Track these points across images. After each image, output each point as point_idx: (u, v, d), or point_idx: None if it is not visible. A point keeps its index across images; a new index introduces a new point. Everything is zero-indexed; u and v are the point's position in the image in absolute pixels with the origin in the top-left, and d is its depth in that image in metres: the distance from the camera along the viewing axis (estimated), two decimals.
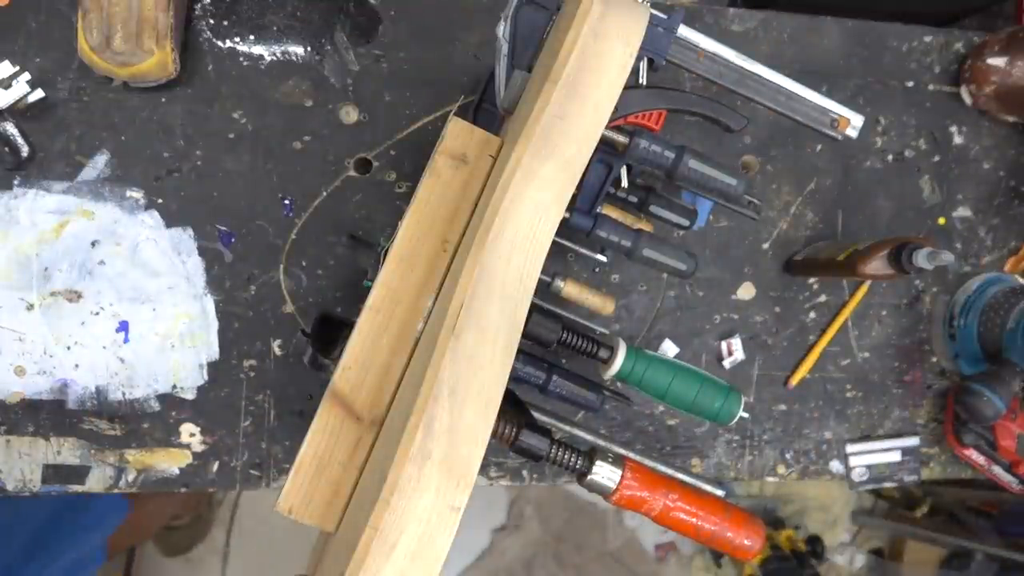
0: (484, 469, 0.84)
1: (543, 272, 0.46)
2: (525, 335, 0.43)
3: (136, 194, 0.76)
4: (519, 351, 0.43)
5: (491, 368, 0.40)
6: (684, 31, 0.63)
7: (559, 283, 0.76)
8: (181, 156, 0.76)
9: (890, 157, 0.93)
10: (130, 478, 0.78)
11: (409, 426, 0.37)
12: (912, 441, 0.96)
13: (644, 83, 0.60)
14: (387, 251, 0.51)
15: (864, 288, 0.92)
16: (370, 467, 0.46)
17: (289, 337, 0.79)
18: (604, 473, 0.59)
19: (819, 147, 0.91)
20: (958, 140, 0.95)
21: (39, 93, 0.72)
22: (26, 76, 0.71)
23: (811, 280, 0.92)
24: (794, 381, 0.91)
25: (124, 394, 0.77)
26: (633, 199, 0.74)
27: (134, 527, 1.41)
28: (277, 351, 0.79)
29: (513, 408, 0.63)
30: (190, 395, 0.78)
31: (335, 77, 0.79)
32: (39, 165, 0.74)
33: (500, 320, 0.41)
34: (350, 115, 0.79)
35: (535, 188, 0.44)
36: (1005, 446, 0.92)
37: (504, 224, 0.43)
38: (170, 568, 1.99)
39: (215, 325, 0.78)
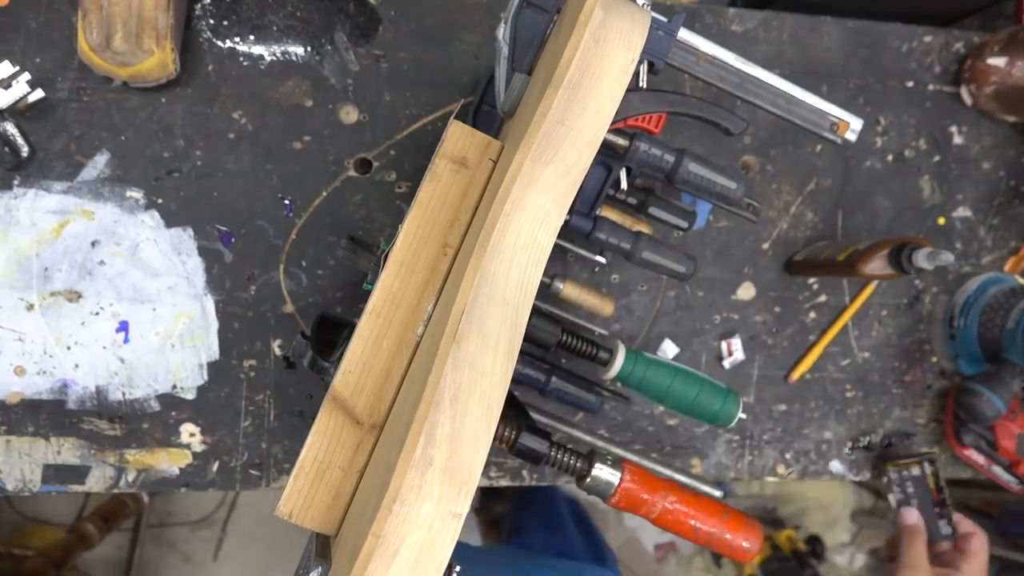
0: (484, 469, 0.84)
1: (543, 273, 0.46)
2: (525, 338, 0.43)
3: (136, 194, 0.76)
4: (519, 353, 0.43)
5: (493, 374, 0.40)
6: (684, 34, 0.63)
7: (559, 284, 0.76)
8: (181, 156, 0.76)
9: (890, 157, 0.93)
10: (130, 478, 0.78)
11: (411, 433, 0.37)
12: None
13: (644, 86, 0.60)
14: (387, 254, 0.50)
15: (870, 289, 0.92)
16: (370, 472, 0.46)
17: (289, 337, 0.79)
18: (603, 476, 0.59)
19: (819, 147, 0.91)
20: (958, 140, 0.95)
21: (39, 93, 0.72)
22: (26, 76, 0.71)
23: (811, 280, 0.92)
24: (795, 375, 0.91)
25: (124, 394, 0.77)
26: (632, 201, 0.74)
27: None
28: (277, 351, 0.79)
29: (512, 410, 0.63)
30: (190, 395, 0.78)
31: (335, 77, 0.79)
32: (39, 165, 0.74)
33: (501, 326, 0.41)
34: (350, 115, 0.79)
35: (536, 193, 0.44)
36: (1005, 446, 0.92)
37: (505, 230, 0.43)
38: (168, 565, 1.99)
39: (215, 325, 0.78)
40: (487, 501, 1.89)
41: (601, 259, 0.76)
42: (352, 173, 0.80)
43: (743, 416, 0.82)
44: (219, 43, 0.76)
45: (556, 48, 0.48)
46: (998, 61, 0.90)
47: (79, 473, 0.77)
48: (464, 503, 0.37)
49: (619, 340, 0.72)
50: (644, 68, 0.60)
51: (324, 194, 0.79)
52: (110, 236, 0.75)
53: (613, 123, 0.48)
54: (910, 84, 0.93)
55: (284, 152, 0.78)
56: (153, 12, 0.68)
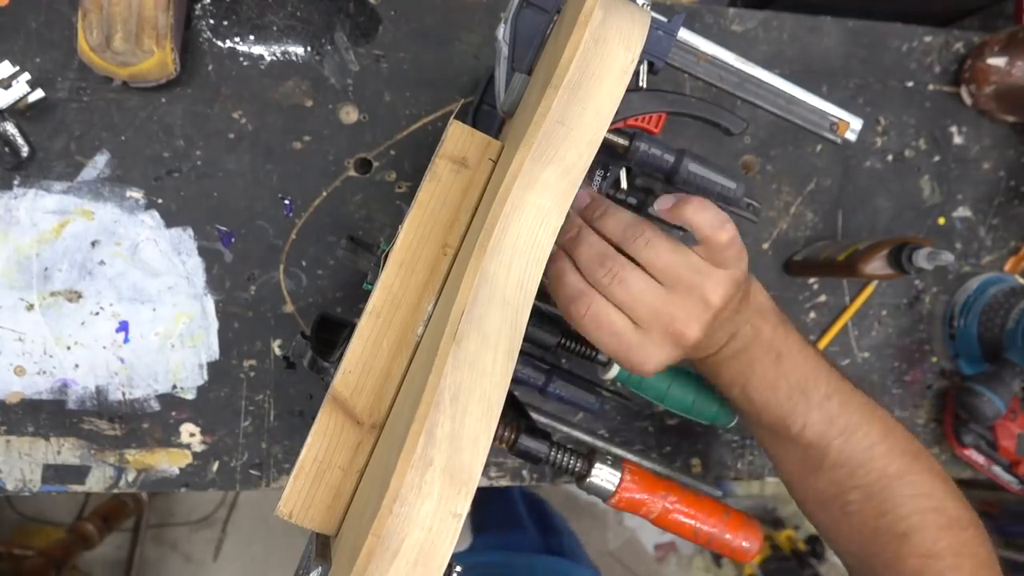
0: (484, 469, 0.84)
1: (543, 273, 0.46)
2: (525, 338, 0.43)
3: (136, 194, 0.76)
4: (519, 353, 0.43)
5: (493, 374, 0.40)
6: (684, 34, 0.63)
7: None
8: (181, 156, 0.76)
9: (890, 157, 0.93)
10: (130, 478, 0.78)
11: (411, 433, 0.37)
12: None
13: (644, 86, 0.60)
14: (387, 254, 0.51)
15: (870, 289, 0.92)
16: (370, 472, 0.46)
17: (289, 337, 0.79)
18: (603, 476, 0.59)
19: (819, 147, 0.91)
20: (958, 140, 0.95)
21: (39, 93, 0.72)
22: (26, 76, 0.71)
23: (811, 280, 0.92)
24: None
25: (124, 394, 0.77)
26: (632, 201, 0.74)
27: None
28: (277, 351, 0.79)
29: (512, 410, 0.63)
30: (190, 395, 0.78)
31: (335, 77, 0.79)
32: (39, 165, 0.74)
33: (501, 326, 0.41)
34: (350, 115, 0.79)
35: (536, 194, 0.44)
36: (1005, 446, 0.92)
37: (505, 230, 0.43)
38: (168, 565, 1.99)
39: (215, 325, 0.78)
40: None
41: None
42: (352, 173, 0.80)
43: None
44: (219, 43, 0.76)
45: (556, 48, 0.48)
46: (998, 61, 0.90)
47: (79, 473, 0.77)
48: (464, 503, 0.37)
49: None
50: (644, 68, 0.60)
51: (324, 194, 0.79)
52: (110, 236, 0.75)
53: (613, 123, 0.48)
54: (910, 84, 0.93)
55: (284, 152, 0.78)
56: (153, 12, 0.68)
